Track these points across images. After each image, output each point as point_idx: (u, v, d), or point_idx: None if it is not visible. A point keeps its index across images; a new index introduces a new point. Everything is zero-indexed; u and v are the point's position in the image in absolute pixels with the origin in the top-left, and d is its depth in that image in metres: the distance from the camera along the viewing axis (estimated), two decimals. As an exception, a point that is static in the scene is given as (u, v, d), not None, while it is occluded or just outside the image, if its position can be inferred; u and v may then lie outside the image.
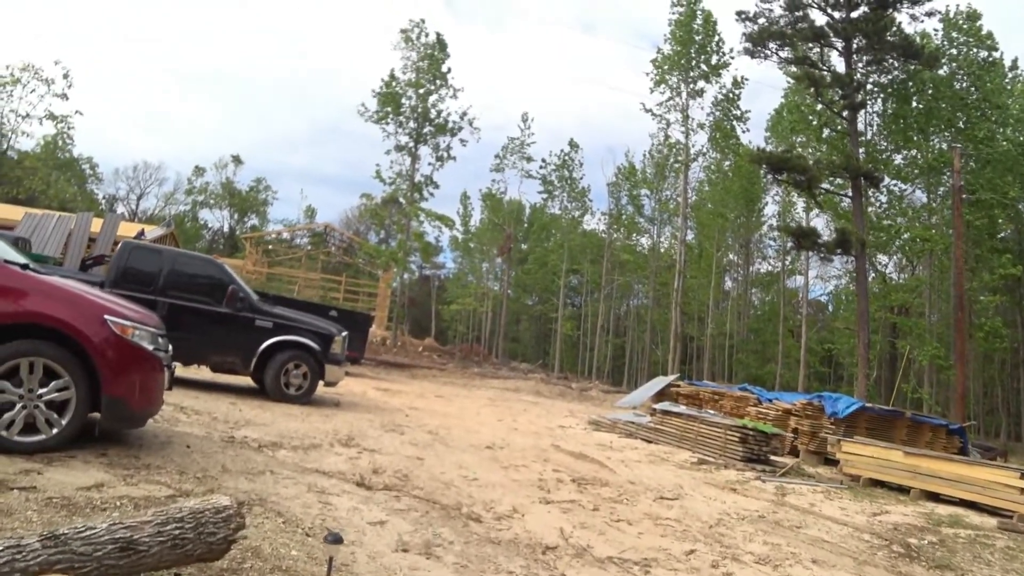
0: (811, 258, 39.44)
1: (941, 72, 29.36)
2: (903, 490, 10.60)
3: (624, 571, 4.81)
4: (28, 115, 24.68)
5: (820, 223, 34.31)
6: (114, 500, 4.13)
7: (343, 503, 5.22)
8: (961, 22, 30.80)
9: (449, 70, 32.79)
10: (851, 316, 34.94)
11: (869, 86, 28.73)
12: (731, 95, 35.21)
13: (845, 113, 27.22)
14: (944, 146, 29.62)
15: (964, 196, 23.64)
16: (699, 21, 34.41)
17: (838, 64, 27.72)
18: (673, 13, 34.69)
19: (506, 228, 48.82)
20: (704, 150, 37.69)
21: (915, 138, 29.93)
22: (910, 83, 29.11)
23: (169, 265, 10.35)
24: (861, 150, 27.28)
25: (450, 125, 32.87)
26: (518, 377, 29.03)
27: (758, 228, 45.70)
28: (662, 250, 48.89)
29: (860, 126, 28.41)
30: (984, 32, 30.66)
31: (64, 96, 24.62)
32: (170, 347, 6.22)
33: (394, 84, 32.38)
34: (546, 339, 61.97)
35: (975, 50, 30.57)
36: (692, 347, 48.31)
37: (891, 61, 27.50)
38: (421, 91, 32.35)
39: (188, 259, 10.95)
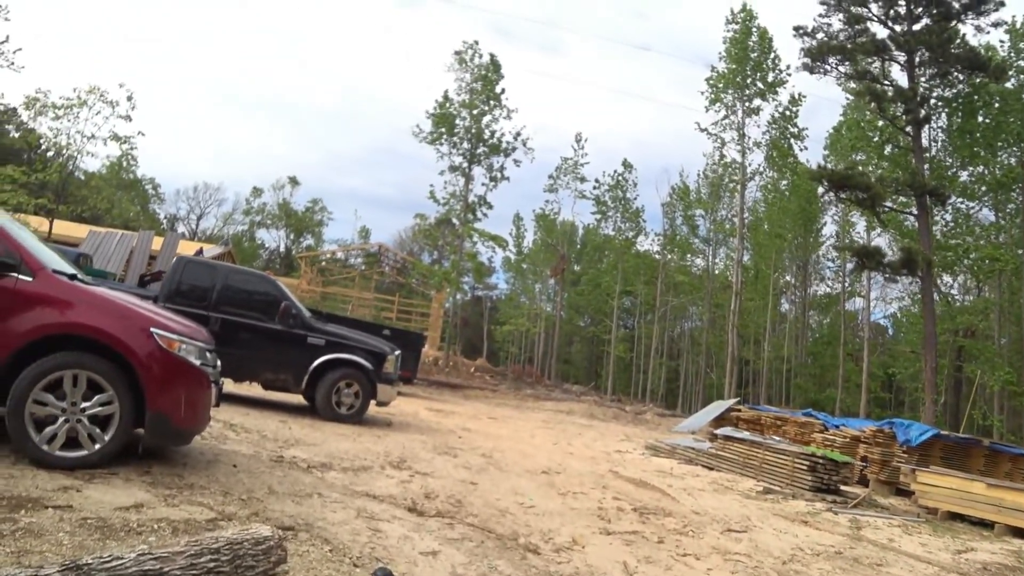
0: (873, 279, 38.39)
1: (1008, 85, 28.24)
2: (985, 524, 9.90)
3: (697, 611, 4.40)
4: (93, 136, 25.08)
5: (882, 243, 33.26)
6: (152, 523, 3.89)
7: (393, 530, 4.91)
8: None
9: (503, 91, 32.81)
10: (915, 339, 33.65)
11: (933, 100, 27.77)
12: (788, 112, 34.47)
13: (909, 128, 26.33)
14: (1013, 161, 28.44)
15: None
16: (754, 38, 33.85)
17: (900, 78, 26.91)
18: (728, 31, 34.24)
19: (559, 249, 48.48)
20: (761, 169, 36.95)
21: (982, 153, 28.76)
22: (975, 96, 28.04)
23: (223, 281, 10.28)
24: (925, 167, 26.33)
25: (504, 146, 32.83)
26: (571, 399, 28.56)
27: (816, 249, 44.54)
28: (717, 271, 47.98)
29: (924, 142, 27.46)
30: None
31: (128, 117, 24.96)
32: (218, 363, 6.03)
33: (448, 105, 32.47)
34: (598, 361, 61.20)
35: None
36: (748, 371, 47.14)
37: (956, 74, 26.56)
38: (475, 112, 32.38)
39: (242, 275, 10.90)
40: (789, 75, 33.03)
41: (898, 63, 26.81)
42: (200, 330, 5.82)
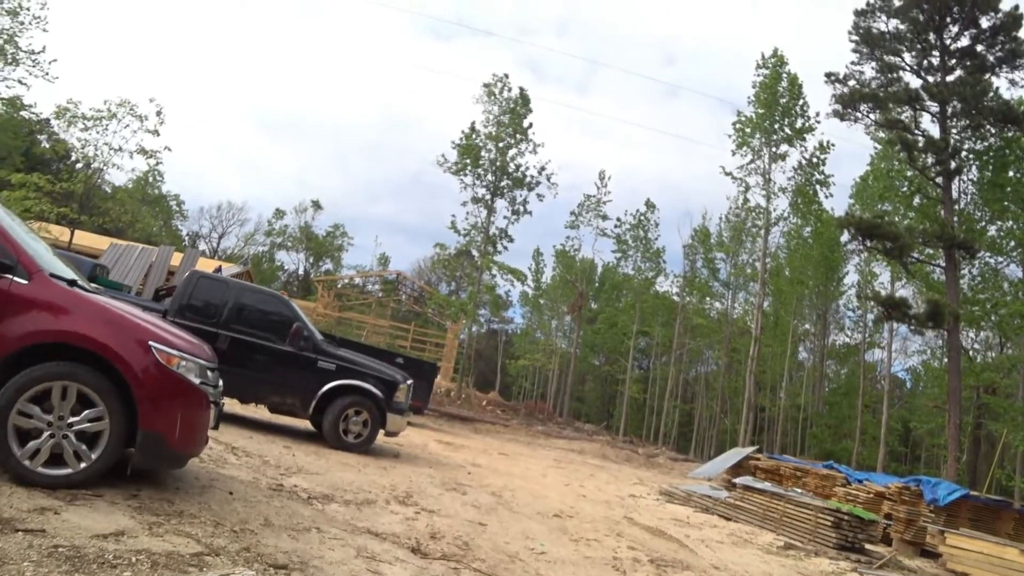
0: (895, 331, 37.73)
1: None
2: (1020, 595, 9.35)
3: None
4: (121, 148, 25.29)
5: (906, 294, 32.64)
6: (130, 555, 3.54)
7: (395, 573, 4.54)
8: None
9: (531, 125, 32.73)
10: (937, 393, 32.88)
11: (964, 152, 27.39)
12: (815, 159, 34.10)
13: (939, 179, 25.94)
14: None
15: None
16: (784, 84, 33.67)
17: (931, 128, 26.59)
18: (758, 75, 34.09)
19: (577, 286, 48.12)
20: (785, 214, 36.53)
21: (1012, 208, 28.23)
22: (1007, 151, 27.60)
23: (234, 298, 10.02)
24: (955, 219, 25.86)
25: (528, 179, 32.67)
26: (583, 438, 28.00)
27: (837, 298, 43.98)
28: (735, 316, 47.38)
29: (953, 194, 27.01)
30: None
31: (156, 132, 25.17)
32: (220, 382, 5.71)
33: (474, 136, 32.42)
34: (611, 401, 60.49)
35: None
36: (764, 418, 46.32)
37: (988, 127, 26.21)
38: (501, 144, 32.30)
39: (254, 293, 10.61)
40: (818, 122, 32.73)
41: (930, 113, 26.51)
42: (202, 346, 5.50)
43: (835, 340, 47.81)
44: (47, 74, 23.95)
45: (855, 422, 39.12)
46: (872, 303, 33.75)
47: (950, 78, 26.03)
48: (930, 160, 26.02)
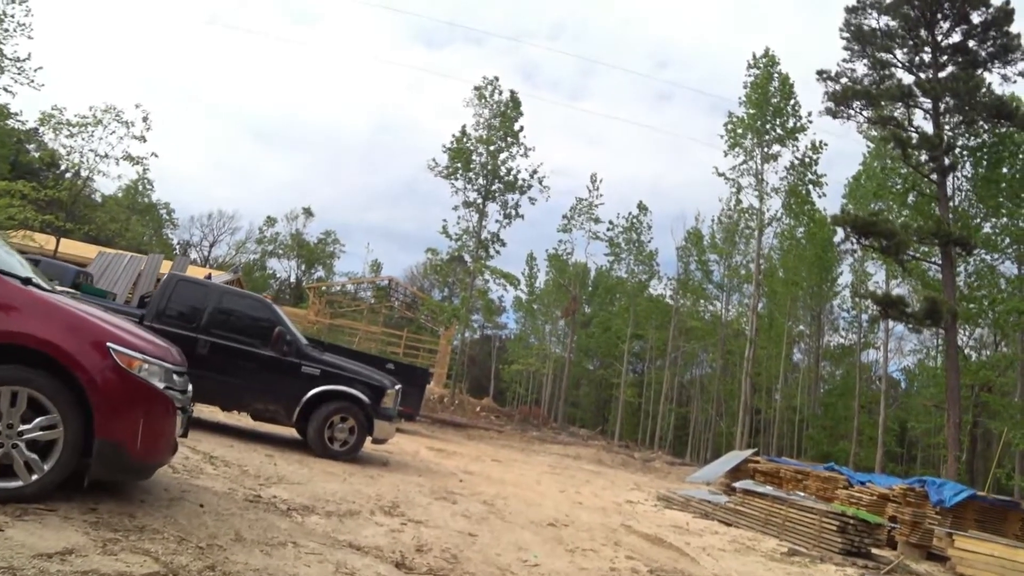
0: (891, 331, 37.53)
1: (1034, 136, 27.65)
2: (1033, 598, 9.03)
3: None
4: (107, 155, 24.92)
5: (901, 293, 32.44)
6: (74, 577, 3.19)
7: (375, 591, 4.18)
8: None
9: (521, 128, 32.44)
10: (934, 393, 32.66)
11: (957, 149, 27.22)
12: (807, 159, 33.83)
13: (933, 176, 25.76)
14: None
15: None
16: (775, 84, 33.43)
17: (923, 125, 26.44)
18: (749, 75, 33.85)
19: (571, 290, 47.79)
20: (778, 215, 36.26)
21: (1007, 204, 28.07)
22: (1001, 146, 27.43)
23: (215, 302, 9.65)
24: (950, 216, 25.66)
25: (519, 183, 32.38)
26: (578, 443, 27.65)
27: (831, 298, 43.82)
28: (730, 318, 47.11)
29: (948, 190, 26.83)
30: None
31: (142, 138, 24.80)
32: (190, 387, 5.35)
33: (465, 140, 32.10)
34: (606, 405, 60.13)
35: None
36: (759, 420, 46.03)
37: (981, 123, 26.04)
38: (492, 148, 31.99)
39: (235, 297, 10.22)
40: (810, 121, 32.49)
41: (923, 110, 26.35)
42: (169, 349, 5.13)
43: (829, 341, 47.70)
44: (32, 81, 23.58)
45: (851, 423, 38.92)
46: (868, 302, 33.55)
47: (942, 74, 25.86)
48: (924, 157, 25.84)
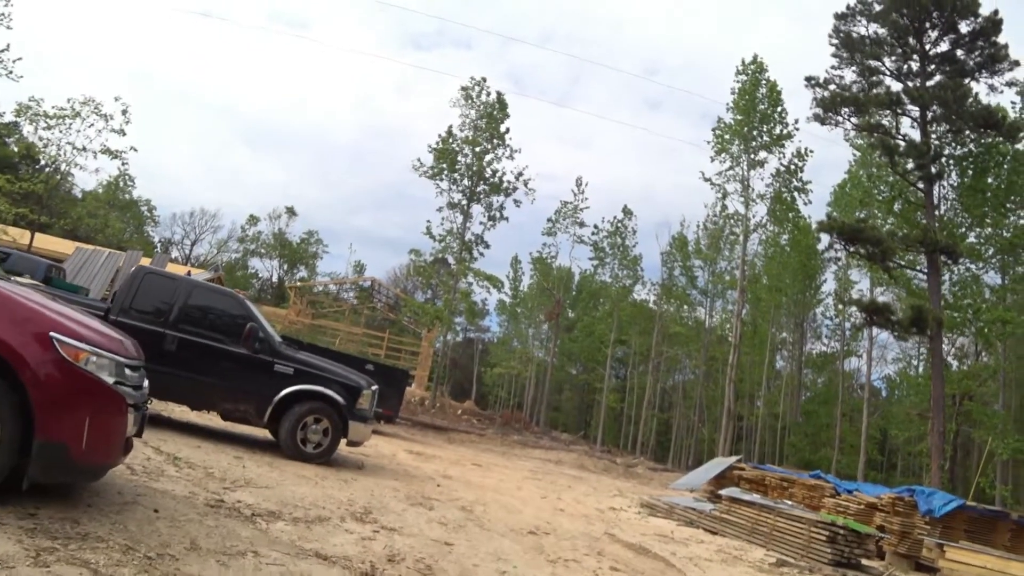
0: (875, 339, 37.55)
1: (1020, 146, 27.66)
2: (1025, 612, 8.79)
3: None
4: (84, 148, 24.36)
5: (884, 300, 32.38)
6: (-9, 595, 2.83)
7: (338, 607, 3.83)
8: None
9: (507, 130, 32.15)
10: (917, 401, 32.67)
11: (943, 158, 27.19)
12: (793, 166, 33.72)
13: (920, 184, 25.72)
14: (1022, 223, 27.81)
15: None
16: (763, 90, 33.31)
17: (911, 134, 26.42)
18: (737, 81, 33.73)
19: (555, 294, 47.51)
20: (763, 222, 36.15)
21: (991, 214, 28.06)
22: (987, 156, 27.43)
23: (184, 297, 9.24)
24: (936, 224, 25.60)
25: (505, 185, 32.09)
26: (560, 448, 27.32)
27: (814, 306, 43.90)
28: (714, 324, 47.03)
29: (934, 199, 26.79)
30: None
31: (122, 132, 24.25)
32: (146, 383, 4.97)
33: (451, 140, 31.77)
34: (588, 410, 59.89)
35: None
36: (742, 427, 45.93)
37: (968, 132, 26.01)
38: (478, 149, 31.68)
39: (207, 291, 9.77)
40: (797, 129, 32.40)
41: (910, 117, 26.33)
42: (123, 341, 4.75)
43: (812, 348, 47.79)
44: (11, 72, 22.99)
45: (833, 431, 38.96)
46: (853, 309, 33.46)
47: (930, 83, 25.86)
48: (911, 165, 25.82)
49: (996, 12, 25.54)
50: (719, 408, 38.58)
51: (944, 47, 26.40)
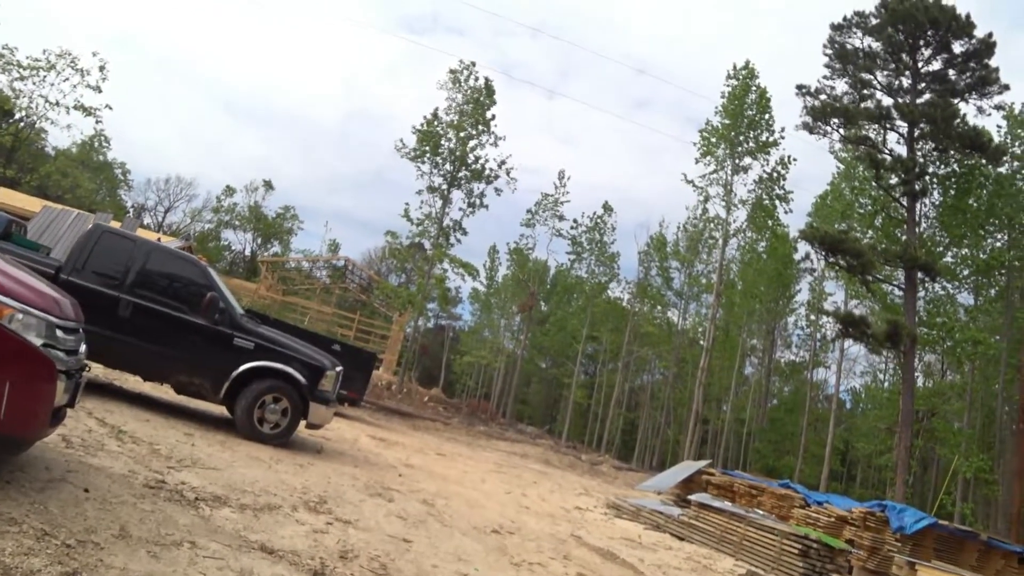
0: (846, 351, 37.66)
1: (1002, 169, 27.76)
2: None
3: None
4: (58, 103, 23.53)
5: (860, 313, 32.45)
6: None
7: (279, 614, 3.40)
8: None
9: (493, 117, 31.66)
10: (883, 415, 32.85)
11: (928, 176, 27.19)
12: (776, 174, 33.54)
13: (904, 200, 25.70)
14: (999, 245, 27.98)
15: None
16: (753, 96, 33.10)
17: (898, 149, 26.43)
18: (727, 85, 33.48)
19: (530, 286, 47.15)
20: (743, 227, 36.01)
21: (969, 235, 28.17)
22: (970, 177, 27.48)
23: (143, 260, 8.69)
24: (916, 240, 25.60)
25: (487, 172, 31.63)
26: (526, 441, 27.00)
27: (786, 315, 44.05)
28: (686, 326, 46.98)
29: (916, 215, 26.80)
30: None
31: (98, 88, 23.47)
32: (83, 347, 4.49)
33: (436, 124, 31.22)
34: (555, 404, 59.71)
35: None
36: (707, 431, 46.00)
37: (953, 152, 26.02)
38: (462, 134, 31.17)
39: (167, 256, 9.16)
40: (783, 137, 32.23)
41: (898, 133, 26.36)
42: (57, 300, 4.25)
43: (781, 357, 47.98)
44: None
45: (798, 439, 39.04)
46: (826, 319, 33.55)
47: (920, 100, 25.83)
48: (895, 180, 25.79)
49: (991, 35, 25.57)
50: (686, 410, 38.55)
51: (936, 66, 26.42)
